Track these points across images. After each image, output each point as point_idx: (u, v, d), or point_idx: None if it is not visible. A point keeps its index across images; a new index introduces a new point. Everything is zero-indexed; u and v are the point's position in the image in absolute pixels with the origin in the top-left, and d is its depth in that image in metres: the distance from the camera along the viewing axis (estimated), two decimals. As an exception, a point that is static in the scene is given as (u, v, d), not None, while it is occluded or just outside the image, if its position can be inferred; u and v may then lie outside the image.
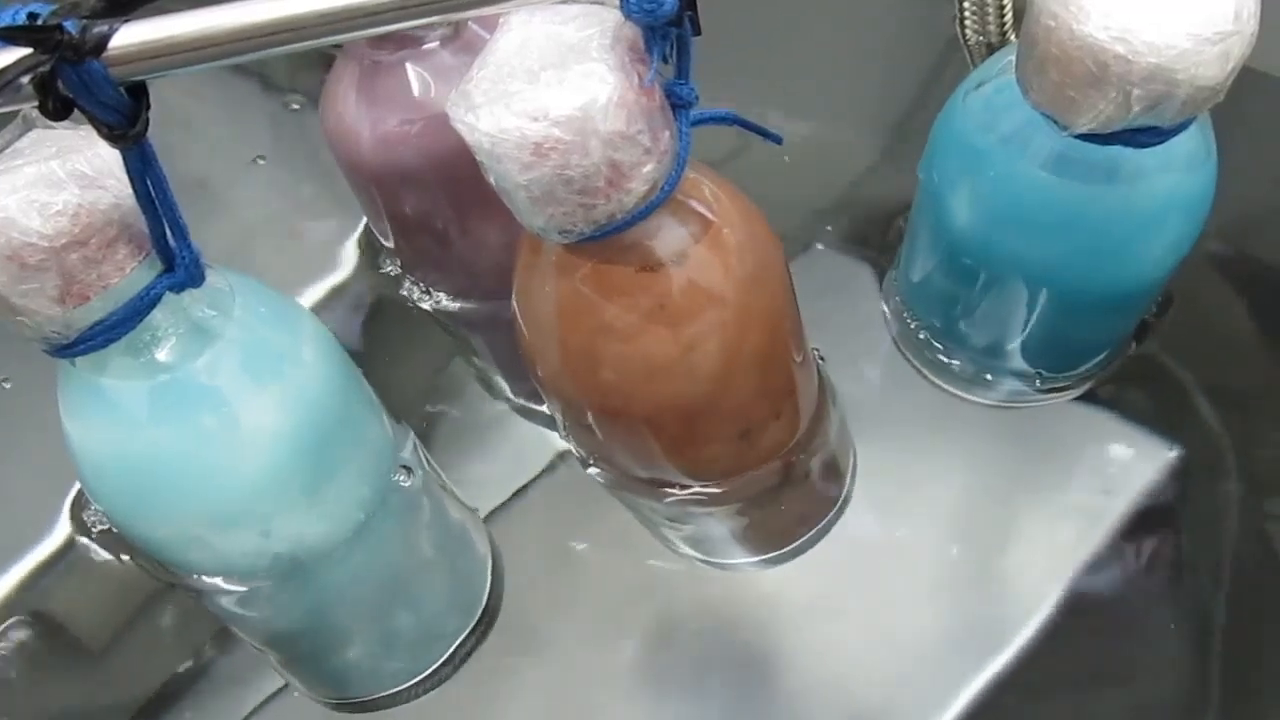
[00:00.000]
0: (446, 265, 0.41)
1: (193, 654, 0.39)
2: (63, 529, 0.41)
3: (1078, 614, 0.37)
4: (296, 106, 0.53)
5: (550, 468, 0.42)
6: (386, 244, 0.42)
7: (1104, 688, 0.37)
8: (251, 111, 0.53)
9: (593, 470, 0.35)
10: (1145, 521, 0.39)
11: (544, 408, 0.41)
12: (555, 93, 0.22)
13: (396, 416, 0.34)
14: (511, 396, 0.44)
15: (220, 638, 0.39)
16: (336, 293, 0.47)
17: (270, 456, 0.27)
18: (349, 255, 0.48)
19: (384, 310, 0.47)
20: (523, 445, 0.43)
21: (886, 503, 0.40)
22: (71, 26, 0.20)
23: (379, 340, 0.46)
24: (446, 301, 0.43)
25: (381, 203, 0.38)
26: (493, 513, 0.41)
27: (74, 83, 0.20)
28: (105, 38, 0.20)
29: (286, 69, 0.54)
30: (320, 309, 0.47)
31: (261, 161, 0.52)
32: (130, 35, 0.21)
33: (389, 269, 0.45)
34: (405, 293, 0.44)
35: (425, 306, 0.43)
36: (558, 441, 0.42)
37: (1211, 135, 0.32)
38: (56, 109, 0.21)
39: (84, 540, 0.41)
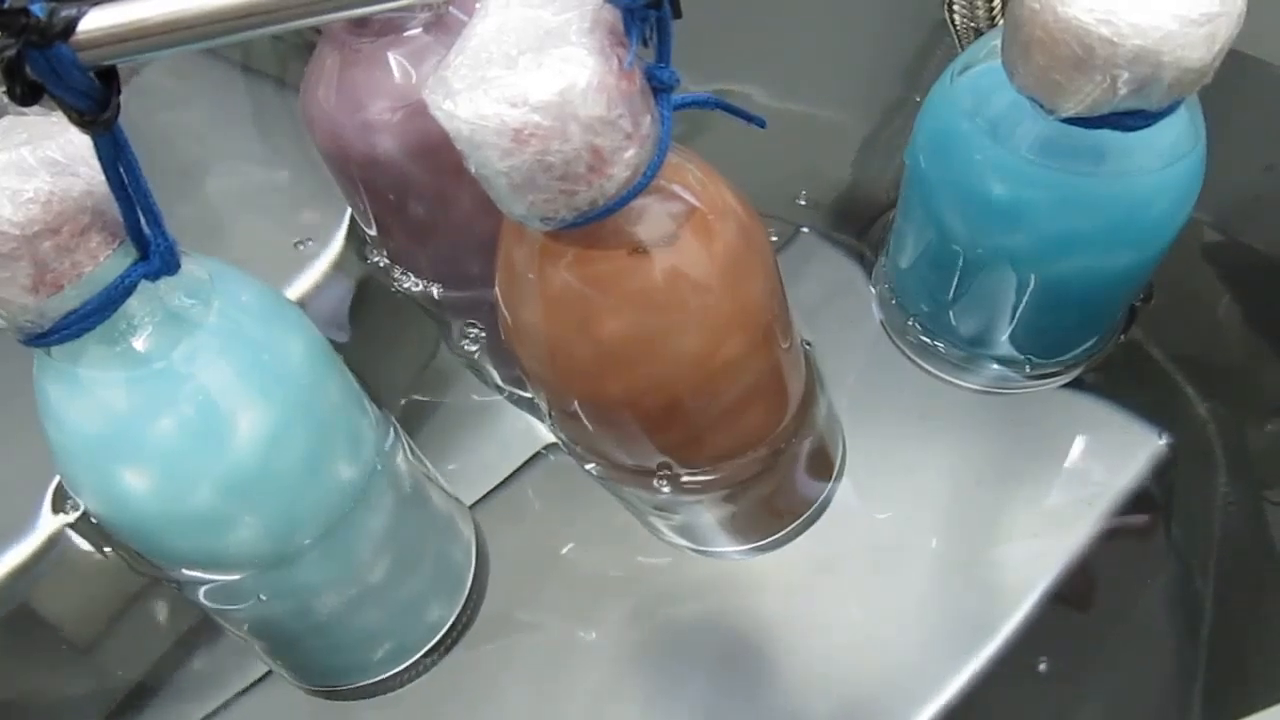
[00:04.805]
0: (431, 253, 0.40)
1: (178, 642, 0.39)
2: (44, 520, 0.41)
3: (1065, 601, 0.37)
4: (281, 96, 0.53)
5: (537, 456, 0.42)
6: (370, 232, 0.42)
7: (1091, 674, 0.36)
8: (235, 97, 0.53)
9: (588, 467, 0.34)
10: (1133, 508, 0.39)
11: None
12: (534, 78, 0.22)
13: (381, 405, 0.34)
14: (501, 384, 0.44)
15: (205, 625, 0.39)
16: (323, 281, 0.47)
17: (249, 446, 0.27)
18: (336, 244, 0.48)
19: (371, 299, 0.46)
20: (510, 434, 0.43)
21: (875, 489, 0.40)
22: (38, 10, 0.20)
23: (366, 329, 0.46)
24: (433, 289, 0.43)
25: (364, 191, 0.37)
26: (479, 500, 0.41)
27: (42, 67, 0.20)
28: (73, 21, 0.20)
29: (270, 54, 0.53)
30: (306, 297, 0.47)
31: (246, 149, 0.52)
32: (99, 18, 0.20)
33: (376, 259, 0.44)
34: (392, 281, 0.44)
35: (413, 294, 0.43)
36: (545, 430, 0.42)
37: (1201, 120, 0.32)
38: (24, 94, 0.20)
39: (66, 531, 0.41)
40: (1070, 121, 0.29)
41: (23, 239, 0.23)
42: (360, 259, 0.46)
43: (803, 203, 0.46)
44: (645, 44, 0.23)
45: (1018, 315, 0.37)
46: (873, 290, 0.44)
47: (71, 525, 0.40)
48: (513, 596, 0.39)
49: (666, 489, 0.33)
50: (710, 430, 0.31)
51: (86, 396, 0.26)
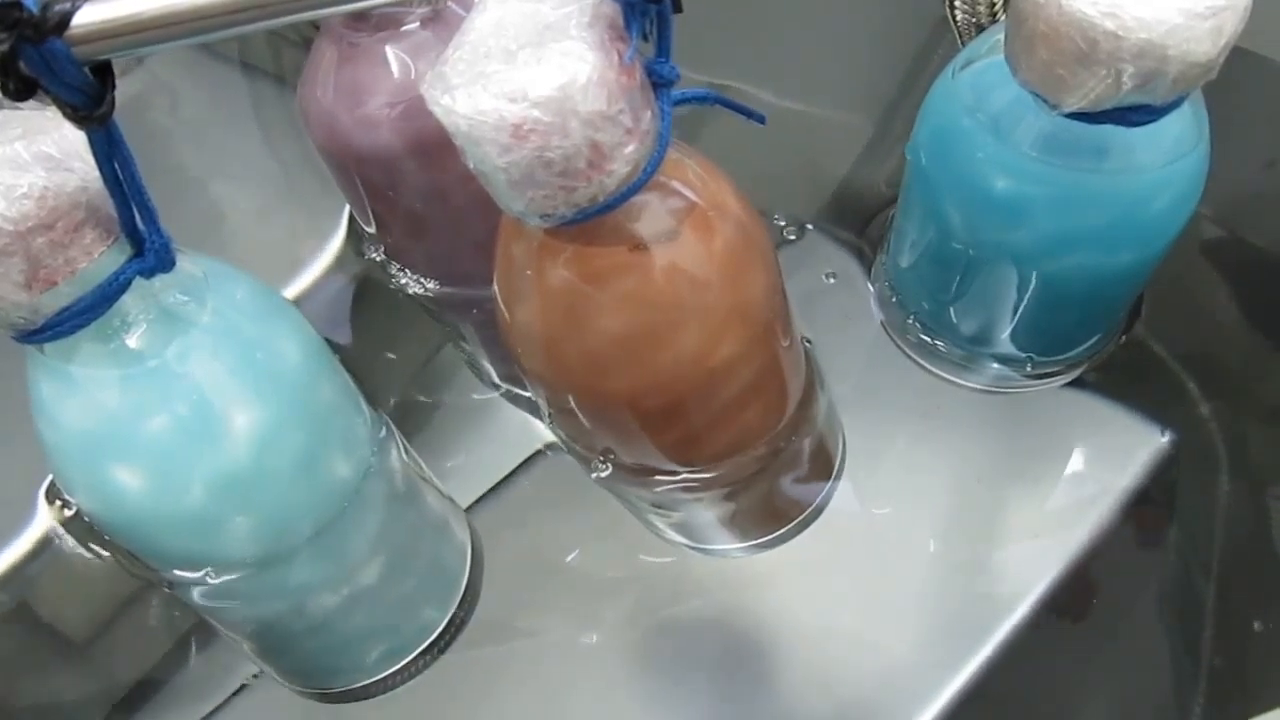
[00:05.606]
0: (429, 249, 0.40)
1: (172, 643, 0.39)
2: (37, 519, 0.41)
3: (1067, 600, 0.37)
4: (278, 91, 0.52)
5: (534, 455, 0.42)
6: (368, 229, 0.42)
7: (1093, 673, 0.36)
8: (232, 93, 0.53)
9: (590, 468, 0.34)
10: (1134, 507, 0.39)
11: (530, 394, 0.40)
12: (534, 72, 0.22)
13: (377, 404, 0.34)
14: (498, 381, 0.44)
15: (202, 625, 0.39)
16: (320, 279, 0.47)
17: (243, 445, 0.27)
18: (333, 241, 0.48)
19: (368, 296, 0.46)
20: (507, 433, 0.43)
21: (875, 488, 0.40)
22: (32, 4, 0.20)
23: (363, 327, 0.46)
24: (431, 286, 0.42)
25: (361, 187, 0.37)
26: (475, 501, 0.41)
27: (36, 62, 0.20)
28: (67, 16, 0.20)
29: (267, 49, 0.53)
30: (303, 295, 0.46)
31: (243, 144, 0.51)
32: (93, 13, 0.20)
33: (373, 255, 0.44)
34: (389, 278, 0.43)
35: (410, 291, 0.43)
36: (542, 429, 0.42)
37: (1205, 116, 0.32)
38: (18, 90, 0.20)
39: (58, 531, 0.40)
40: (1073, 117, 0.29)
41: (16, 234, 0.22)
42: (358, 255, 0.46)
43: (804, 199, 0.46)
44: (645, 39, 0.23)
45: (1019, 313, 0.37)
46: (872, 288, 0.43)
47: (64, 524, 0.40)
48: (511, 596, 0.39)
49: (666, 488, 0.33)
50: (709, 428, 0.31)
51: (80, 394, 0.25)
